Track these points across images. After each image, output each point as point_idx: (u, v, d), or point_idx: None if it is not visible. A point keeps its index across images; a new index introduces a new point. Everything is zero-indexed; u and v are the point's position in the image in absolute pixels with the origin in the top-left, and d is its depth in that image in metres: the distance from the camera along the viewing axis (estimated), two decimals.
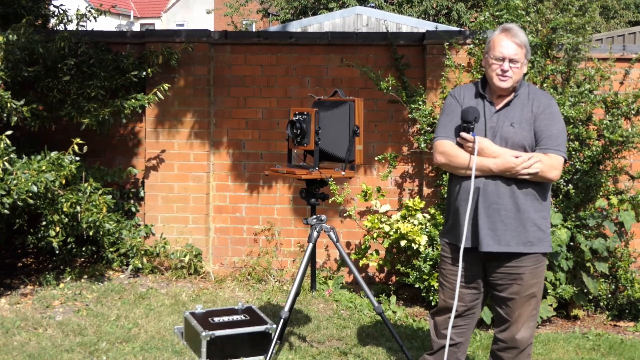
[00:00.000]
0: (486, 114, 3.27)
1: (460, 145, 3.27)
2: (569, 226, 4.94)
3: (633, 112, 5.08)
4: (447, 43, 5.48)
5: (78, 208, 5.07)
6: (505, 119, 3.24)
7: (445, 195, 3.66)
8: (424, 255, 5.21)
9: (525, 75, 5.01)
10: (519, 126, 3.21)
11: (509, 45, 3.20)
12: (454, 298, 3.33)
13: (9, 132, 4.93)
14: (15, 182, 4.68)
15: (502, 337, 3.40)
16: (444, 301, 3.46)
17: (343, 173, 3.93)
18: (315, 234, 4.03)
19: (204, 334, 4.16)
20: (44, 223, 5.23)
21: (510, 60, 3.20)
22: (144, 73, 5.89)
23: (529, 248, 3.23)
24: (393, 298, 5.44)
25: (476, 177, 3.20)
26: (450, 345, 3.42)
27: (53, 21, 6.27)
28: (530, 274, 3.27)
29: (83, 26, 6.02)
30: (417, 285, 5.27)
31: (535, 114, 3.21)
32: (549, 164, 3.17)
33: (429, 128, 5.50)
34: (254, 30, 19.89)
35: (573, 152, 5.04)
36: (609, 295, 5.26)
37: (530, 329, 3.37)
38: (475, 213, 3.22)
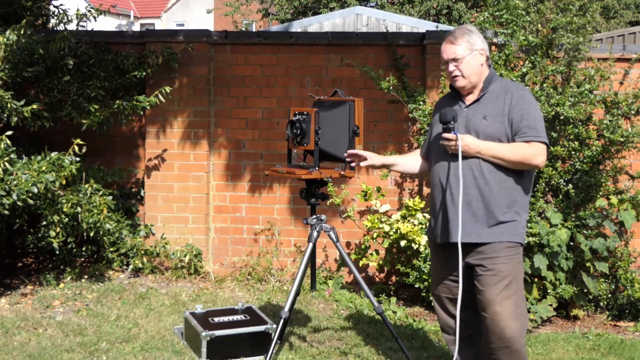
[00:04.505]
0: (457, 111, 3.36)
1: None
2: (569, 226, 4.94)
3: (633, 112, 5.08)
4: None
5: (79, 209, 5.07)
6: (477, 113, 3.30)
7: None
8: (424, 255, 5.21)
9: (525, 75, 5.05)
10: (491, 119, 3.26)
11: (445, 49, 3.34)
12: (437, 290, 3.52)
13: (9, 133, 4.94)
14: (15, 182, 4.68)
15: (489, 337, 3.31)
16: (433, 294, 3.57)
17: (343, 173, 3.93)
18: (315, 233, 4.03)
19: (204, 334, 4.16)
20: (44, 223, 5.24)
21: (453, 60, 3.30)
22: (144, 73, 5.89)
23: (499, 237, 3.25)
24: (393, 298, 5.44)
25: (443, 173, 3.33)
26: (461, 340, 3.42)
27: (53, 21, 6.28)
28: (504, 265, 3.26)
29: (83, 26, 6.02)
30: (417, 285, 5.27)
31: (509, 105, 3.25)
32: (534, 152, 3.21)
33: (428, 128, 5.48)
34: (254, 30, 19.88)
35: (573, 152, 5.03)
36: (609, 295, 5.25)
37: (518, 328, 3.28)
38: (447, 207, 3.30)
